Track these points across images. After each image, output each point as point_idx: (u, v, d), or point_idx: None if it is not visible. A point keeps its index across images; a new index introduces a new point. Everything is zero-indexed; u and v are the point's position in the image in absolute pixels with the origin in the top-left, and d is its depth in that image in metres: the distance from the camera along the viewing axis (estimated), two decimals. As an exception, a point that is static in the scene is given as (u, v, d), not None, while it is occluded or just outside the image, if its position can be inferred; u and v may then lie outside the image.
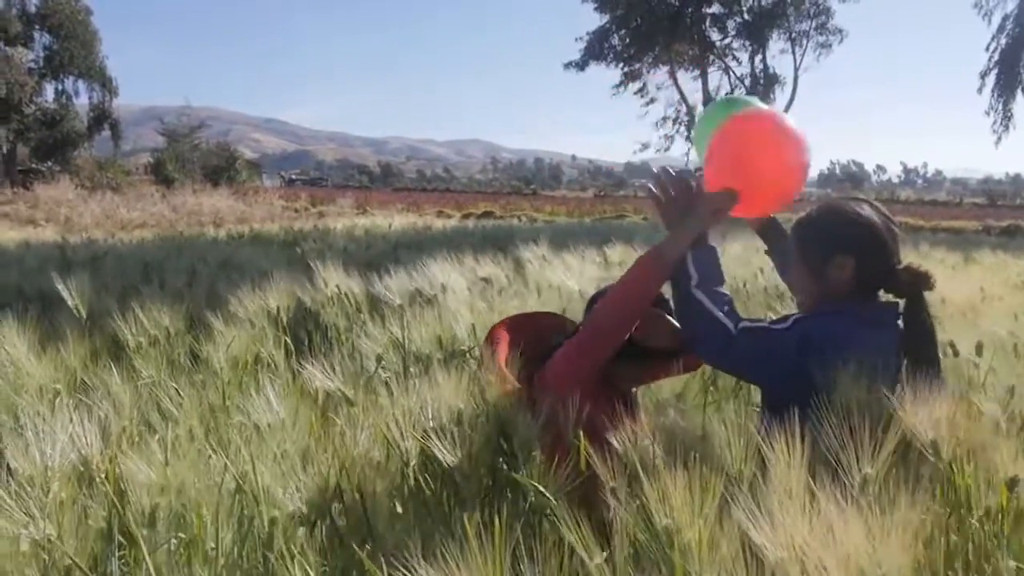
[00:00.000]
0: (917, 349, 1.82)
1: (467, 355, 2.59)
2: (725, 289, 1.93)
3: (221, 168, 37.27)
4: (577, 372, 1.96)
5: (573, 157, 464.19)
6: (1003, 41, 29.65)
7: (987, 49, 30.09)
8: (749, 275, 4.47)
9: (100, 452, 1.51)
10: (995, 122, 29.69)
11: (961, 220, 25.88)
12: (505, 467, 1.76)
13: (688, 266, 1.91)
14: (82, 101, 39.46)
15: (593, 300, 2.23)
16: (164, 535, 1.37)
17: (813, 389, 1.59)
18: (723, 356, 1.89)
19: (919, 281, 1.85)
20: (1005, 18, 29.58)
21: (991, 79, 29.89)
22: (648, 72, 36.32)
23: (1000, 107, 29.62)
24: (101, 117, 39.59)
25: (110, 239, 9.56)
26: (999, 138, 29.87)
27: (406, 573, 1.01)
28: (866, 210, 1.90)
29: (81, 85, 39.34)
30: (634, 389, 2.23)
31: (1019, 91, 29.20)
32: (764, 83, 34.89)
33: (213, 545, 1.35)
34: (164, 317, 2.99)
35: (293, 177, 78.68)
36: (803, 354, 1.75)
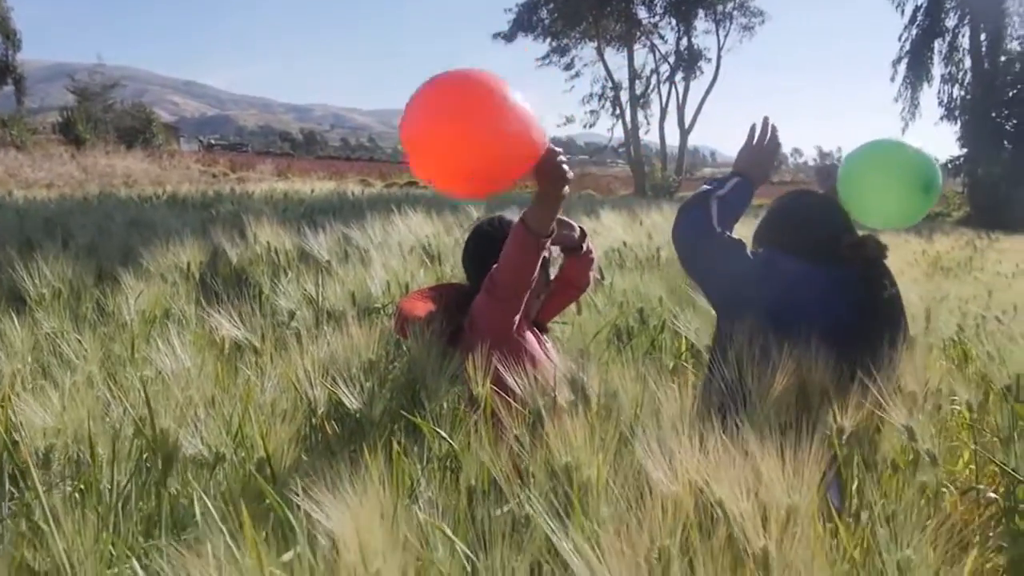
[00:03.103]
0: (879, 312, 1.96)
1: (381, 311, 2.59)
2: (734, 228, 2.05)
3: (136, 130, 35.82)
4: (502, 316, 2.00)
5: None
6: (914, 32, 30.67)
7: (899, 39, 31.11)
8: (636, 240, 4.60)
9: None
10: (903, 109, 30.79)
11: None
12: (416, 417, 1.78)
13: (727, 184, 2.06)
14: (-19, 54, 37.31)
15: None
16: (58, 476, 1.34)
17: (763, 313, 1.79)
18: (701, 240, 1.99)
19: (873, 251, 2.00)
20: (916, 9, 30.60)
21: (902, 68, 30.94)
22: (575, 47, 36.44)
23: (908, 95, 30.70)
24: (4, 71, 37.50)
25: (8, 197, 9.14)
26: (906, 124, 30.97)
27: (304, 505, 1.02)
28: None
29: (-19, 37, 37.21)
30: (548, 343, 2.27)
31: (926, 82, 30.30)
32: (688, 61, 35.40)
33: (109, 485, 1.33)
34: (69, 271, 2.89)
35: (212, 142, 76.27)
36: (766, 268, 1.95)
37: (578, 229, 2.25)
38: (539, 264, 1.97)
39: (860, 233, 2.10)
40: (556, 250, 2.24)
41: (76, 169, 22.27)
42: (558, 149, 1.87)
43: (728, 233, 1.99)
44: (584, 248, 2.24)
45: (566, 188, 1.90)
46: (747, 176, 2.09)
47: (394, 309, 2.25)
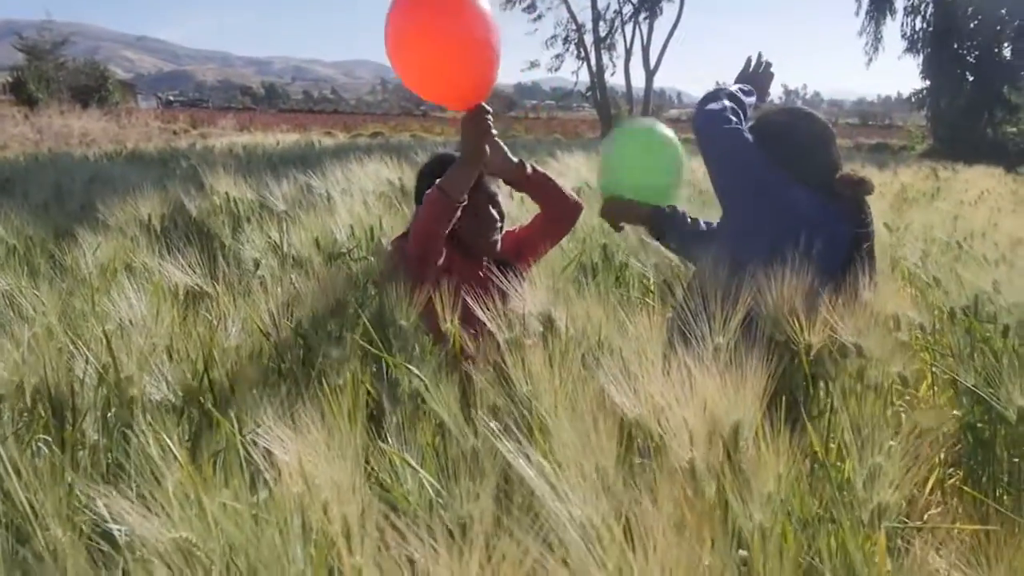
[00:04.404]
0: (860, 245, 2.01)
1: (346, 256, 2.57)
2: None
3: (91, 88, 34.85)
4: (416, 266, 2.04)
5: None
6: (877, -39, 30.48)
7: (864, -29, 30.90)
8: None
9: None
10: (867, 43, 30.70)
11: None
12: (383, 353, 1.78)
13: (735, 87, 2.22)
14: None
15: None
16: (19, 425, 1.32)
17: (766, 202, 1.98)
18: (721, 125, 2.09)
19: (866, 187, 2.03)
20: (880, -63, 30.35)
21: (865, 0, 30.80)
22: (537, -12, 35.78)
23: (872, 28, 30.60)
24: (-51, 31, 36.18)
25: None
26: (870, 59, 30.93)
27: (264, 435, 1.02)
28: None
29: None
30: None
31: (889, 15, 30.19)
32: (651, 0, 34.95)
33: (73, 433, 1.32)
34: (27, 227, 2.84)
35: (171, 99, 74.68)
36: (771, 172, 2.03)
37: (517, 160, 2.26)
38: (449, 224, 2.03)
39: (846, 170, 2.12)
40: (501, 192, 2.26)
41: (30, 130, 21.68)
42: (488, 107, 2.02)
43: (740, 125, 2.10)
44: (529, 171, 2.24)
45: (487, 153, 2.02)
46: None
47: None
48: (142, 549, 0.92)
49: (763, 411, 1.13)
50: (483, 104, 2.00)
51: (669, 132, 2.34)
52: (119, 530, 0.90)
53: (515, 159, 2.23)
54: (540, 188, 2.27)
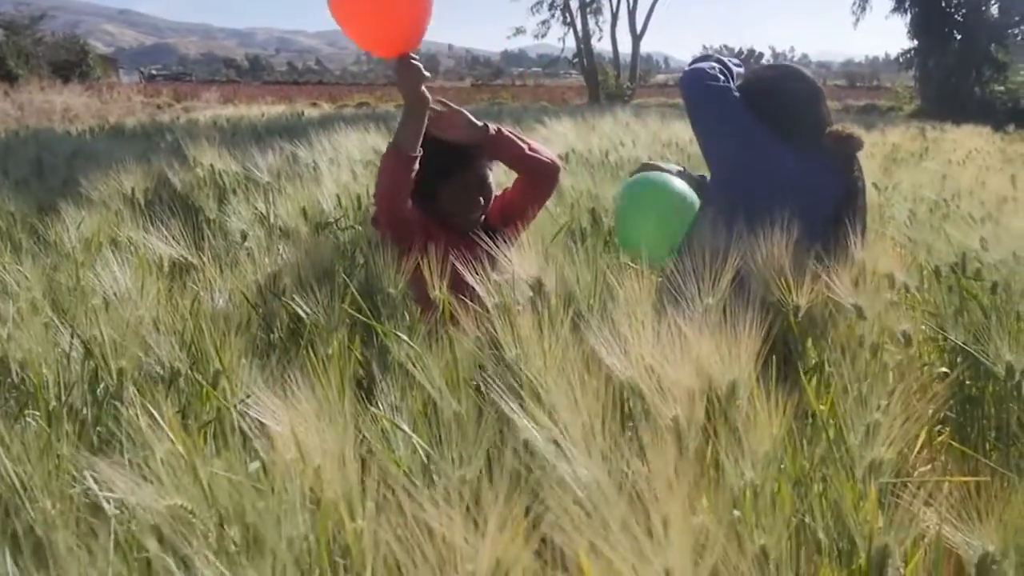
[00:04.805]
0: (849, 202, 2.01)
1: (334, 226, 2.55)
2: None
3: (72, 63, 34.38)
4: (395, 233, 2.04)
5: (450, 47, 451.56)
6: (865, -82, 30.21)
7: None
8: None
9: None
10: (854, 3, 30.52)
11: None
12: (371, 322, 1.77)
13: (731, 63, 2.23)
14: None
15: None
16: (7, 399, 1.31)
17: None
18: (712, 84, 2.10)
19: (854, 144, 2.02)
20: None
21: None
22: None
23: (859, -15, 30.40)
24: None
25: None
26: (857, 20, 30.79)
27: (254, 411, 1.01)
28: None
29: None
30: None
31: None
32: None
33: (56, 404, 1.31)
34: (8, 203, 2.80)
35: (154, 72, 73.71)
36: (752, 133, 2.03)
37: (482, 123, 2.24)
38: (408, 179, 2.04)
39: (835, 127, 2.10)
40: (492, 174, 2.25)
41: (11, 107, 21.38)
42: (415, 57, 2.05)
43: (727, 84, 2.10)
44: (493, 131, 2.23)
45: (428, 99, 2.04)
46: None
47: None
48: (133, 520, 0.92)
49: (756, 370, 1.13)
50: (410, 53, 2.06)
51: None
52: (108, 499, 0.90)
53: (479, 123, 2.21)
54: (509, 149, 2.23)
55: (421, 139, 2.04)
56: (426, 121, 2.06)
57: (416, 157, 2.03)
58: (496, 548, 0.73)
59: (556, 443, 0.93)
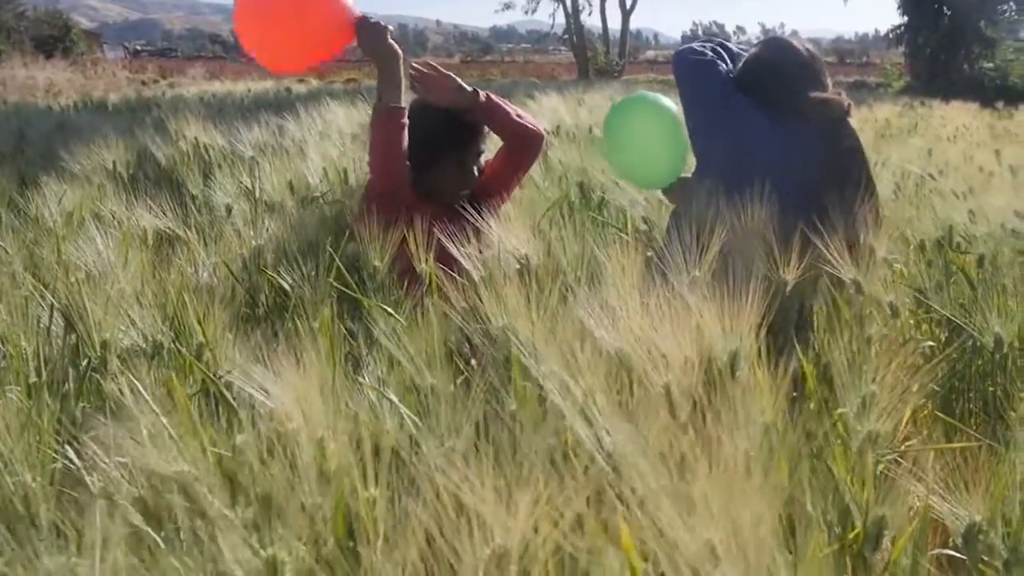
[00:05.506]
0: (835, 170, 1.96)
1: (320, 200, 2.53)
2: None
3: (54, 38, 33.93)
4: (386, 205, 2.00)
5: (438, 22, 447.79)
6: None
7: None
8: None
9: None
10: (846, -21, 30.46)
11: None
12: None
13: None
14: None
15: None
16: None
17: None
18: (693, 57, 2.10)
19: (835, 110, 1.99)
20: None
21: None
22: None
23: (851, -37, 30.32)
24: None
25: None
26: (847, -6, 30.74)
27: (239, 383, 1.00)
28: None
29: None
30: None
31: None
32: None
33: (35, 378, 1.29)
34: (-12, 178, 2.76)
35: (139, 48, 72.79)
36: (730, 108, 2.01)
37: (471, 89, 2.22)
38: (400, 137, 2.03)
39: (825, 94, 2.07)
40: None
41: (-6, 82, 21.10)
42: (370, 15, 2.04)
43: (712, 59, 2.08)
44: (483, 98, 2.21)
45: (397, 53, 2.04)
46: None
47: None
48: (118, 494, 0.91)
49: (753, 342, 1.12)
50: (363, 16, 2.05)
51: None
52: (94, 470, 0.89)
53: (469, 88, 2.19)
54: (499, 115, 2.23)
55: (403, 91, 2.04)
56: (402, 71, 2.05)
57: (403, 109, 2.02)
58: (523, 520, 0.73)
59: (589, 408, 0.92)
